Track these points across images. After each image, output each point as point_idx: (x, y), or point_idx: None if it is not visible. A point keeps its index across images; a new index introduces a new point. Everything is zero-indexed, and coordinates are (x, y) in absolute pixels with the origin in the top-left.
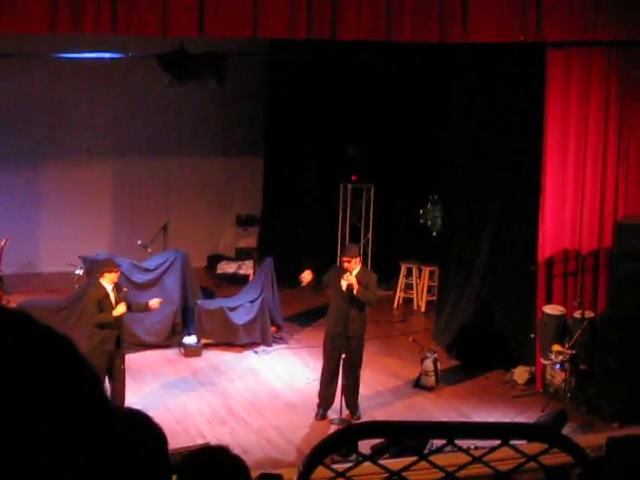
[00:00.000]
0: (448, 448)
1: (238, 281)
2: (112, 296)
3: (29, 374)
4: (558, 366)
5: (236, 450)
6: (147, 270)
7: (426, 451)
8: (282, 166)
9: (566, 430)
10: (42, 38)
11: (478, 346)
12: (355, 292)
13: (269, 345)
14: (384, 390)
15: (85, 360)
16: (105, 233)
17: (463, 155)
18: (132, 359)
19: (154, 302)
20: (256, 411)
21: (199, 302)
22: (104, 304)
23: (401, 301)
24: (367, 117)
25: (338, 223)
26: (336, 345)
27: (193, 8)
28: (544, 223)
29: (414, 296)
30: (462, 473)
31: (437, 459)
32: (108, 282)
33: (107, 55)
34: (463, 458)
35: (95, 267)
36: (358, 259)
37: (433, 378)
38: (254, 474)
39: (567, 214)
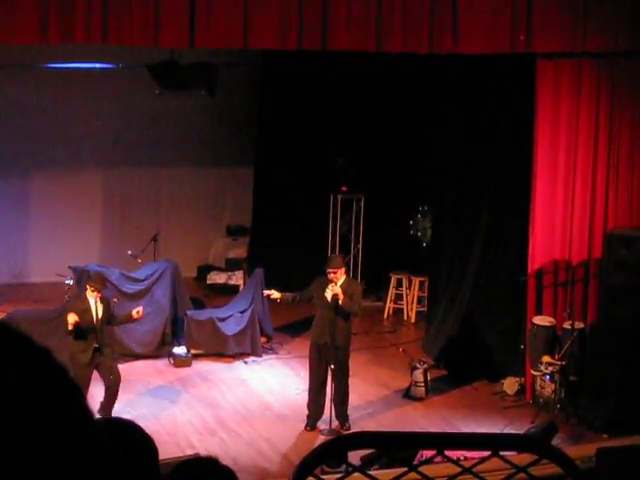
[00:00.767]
0: (438, 459)
1: (228, 291)
2: (94, 309)
3: (4, 383)
4: (548, 377)
5: (226, 461)
6: (137, 280)
7: (416, 462)
8: (272, 176)
9: (556, 441)
10: (32, 48)
11: (468, 357)
12: (340, 302)
13: (259, 355)
14: (374, 400)
15: (64, 370)
16: (95, 243)
17: (453, 166)
18: (122, 369)
19: (137, 312)
20: (246, 422)
21: (189, 312)
22: (83, 317)
23: (391, 312)
24: (357, 128)
25: (328, 234)
26: (322, 356)
27: (184, 19)
28: (534, 234)
29: (404, 307)
30: None
31: (427, 470)
32: (91, 295)
33: (97, 65)
34: (453, 469)
35: (85, 278)
36: (343, 269)
37: (423, 389)
38: None
39: (557, 225)
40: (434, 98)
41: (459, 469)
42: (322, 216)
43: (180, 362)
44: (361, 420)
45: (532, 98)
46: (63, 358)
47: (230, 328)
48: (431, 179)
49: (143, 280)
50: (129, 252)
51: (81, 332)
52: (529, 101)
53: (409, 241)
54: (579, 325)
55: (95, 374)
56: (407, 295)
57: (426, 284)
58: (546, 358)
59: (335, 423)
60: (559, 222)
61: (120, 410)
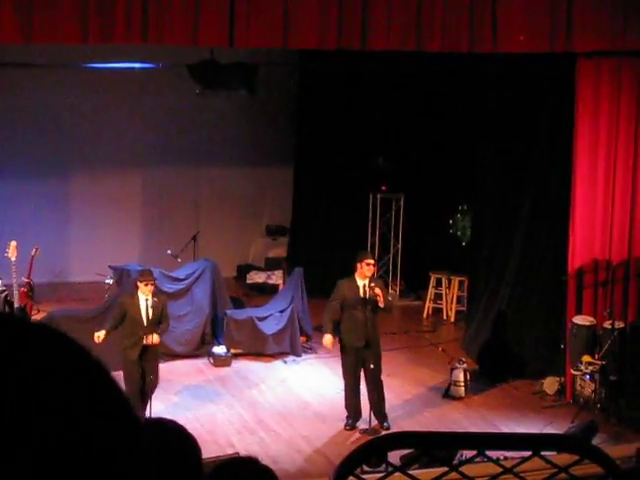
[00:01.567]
0: (478, 459)
1: (268, 291)
2: (143, 307)
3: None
4: (588, 377)
5: (265, 460)
6: (177, 280)
7: (456, 462)
8: (312, 176)
9: (596, 441)
10: (72, 47)
11: (507, 356)
12: (382, 305)
13: (298, 355)
14: (413, 400)
15: (104, 370)
16: (135, 243)
17: (493, 165)
18: (162, 368)
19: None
20: (285, 421)
21: (228, 312)
22: (129, 313)
23: (430, 311)
24: (397, 127)
25: (367, 233)
26: (358, 356)
27: (224, 18)
28: (574, 233)
29: (443, 306)
30: None
31: (467, 470)
32: (142, 292)
33: (137, 65)
34: (493, 469)
35: (125, 277)
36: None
37: (462, 388)
38: None
39: (597, 224)
40: (473, 98)
41: (500, 469)
42: (361, 216)
43: (220, 361)
44: (400, 420)
45: (572, 98)
46: (102, 355)
47: (269, 327)
48: (471, 178)
49: (183, 279)
50: (169, 251)
51: (131, 329)
52: (569, 101)
53: (449, 240)
54: (619, 324)
55: None
56: (446, 294)
57: (465, 284)
58: (586, 358)
59: (374, 422)
60: (599, 221)
61: (161, 410)
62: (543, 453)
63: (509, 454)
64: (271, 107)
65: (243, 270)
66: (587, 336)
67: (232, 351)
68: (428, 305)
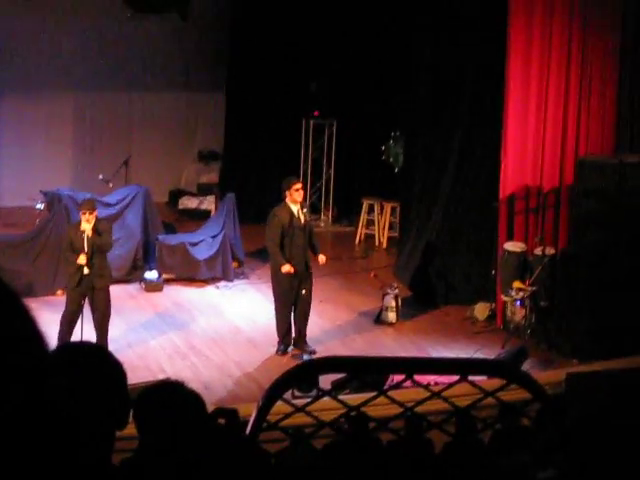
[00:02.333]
0: (407, 383)
1: (200, 216)
2: (85, 238)
3: None
4: (518, 303)
5: (197, 385)
6: (108, 205)
7: (386, 387)
8: (245, 101)
9: (526, 366)
10: None
11: (439, 282)
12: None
13: (230, 280)
14: (345, 325)
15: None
16: (66, 167)
17: (425, 92)
18: None
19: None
20: (217, 346)
21: (160, 237)
22: (75, 243)
23: (363, 237)
24: (331, 53)
25: (300, 159)
26: (294, 282)
27: None
28: (506, 160)
29: (376, 232)
30: (421, 408)
31: (396, 394)
32: (85, 223)
33: None
34: (422, 394)
35: (64, 206)
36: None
37: (394, 314)
38: (214, 409)
39: (529, 151)
40: (407, 23)
41: (428, 393)
42: (294, 141)
43: (151, 287)
44: (332, 345)
45: (505, 27)
46: (33, 281)
47: (201, 253)
48: (403, 105)
49: (114, 204)
50: (100, 176)
51: (74, 257)
52: (502, 29)
53: (381, 167)
54: (550, 251)
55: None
56: (379, 221)
57: (398, 210)
58: (517, 284)
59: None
60: (531, 148)
61: (91, 334)
62: (472, 378)
63: (439, 379)
64: (204, 32)
65: (175, 195)
66: (518, 262)
67: (164, 276)
68: (360, 231)
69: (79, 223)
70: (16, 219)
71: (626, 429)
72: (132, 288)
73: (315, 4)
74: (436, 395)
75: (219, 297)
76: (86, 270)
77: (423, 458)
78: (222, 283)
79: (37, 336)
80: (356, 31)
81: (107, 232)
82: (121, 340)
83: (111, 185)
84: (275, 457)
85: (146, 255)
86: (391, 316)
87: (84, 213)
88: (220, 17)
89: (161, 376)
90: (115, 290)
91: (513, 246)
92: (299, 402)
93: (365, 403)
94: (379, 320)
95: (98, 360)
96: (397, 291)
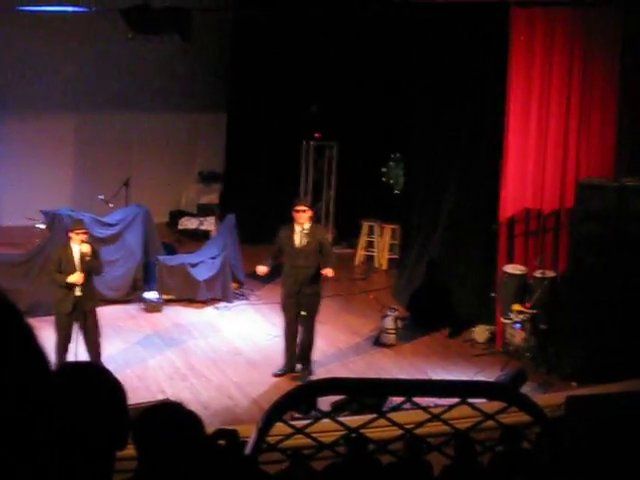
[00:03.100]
0: (407, 406)
1: (200, 237)
2: (76, 258)
3: None
4: (518, 325)
5: (196, 406)
6: (108, 225)
7: (385, 409)
8: (245, 123)
9: (525, 389)
10: None
11: (438, 304)
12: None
13: (230, 301)
14: (344, 347)
15: (16, 314)
16: (67, 187)
17: (426, 114)
18: None
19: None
20: (216, 367)
21: (160, 258)
22: (65, 265)
23: (362, 259)
24: (330, 75)
25: (300, 180)
26: (295, 302)
27: None
28: (506, 182)
29: (375, 254)
30: (420, 431)
31: (396, 417)
32: (76, 242)
33: (70, 9)
34: (422, 416)
35: (64, 226)
36: (310, 213)
37: (393, 336)
38: (214, 430)
39: (529, 173)
40: (407, 46)
41: (428, 416)
42: (295, 163)
43: (151, 307)
44: (331, 366)
45: (506, 48)
46: (34, 301)
47: (201, 274)
48: (404, 127)
49: (114, 225)
50: (100, 196)
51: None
52: (503, 50)
53: (381, 188)
54: (550, 274)
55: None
56: (379, 242)
57: (398, 232)
58: (517, 306)
59: (299, 367)
60: (531, 171)
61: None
62: (471, 400)
63: (439, 402)
64: (204, 53)
65: (175, 216)
66: (518, 285)
67: (164, 297)
68: (360, 253)
69: (67, 244)
70: (16, 239)
71: (624, 451)
72: (132, 308)
73: (316, 27)
74: (435, 417)
75: (219, 318)
76: (78, 292)
77: None
78: (222, 304)
79: (41, 356)
80: (356, 53)
81: (99, 254)
82: (120, 360)
83: (111, 205)
84: (275, 479)
85: (146, 275)
86: (390, 338)
87: (78, 233)
88: (221, 38)
89: (160, 397)
90: (115, 310)
91: (513, 268)
92: (298, 423)
93: (365, 425)
94: (378, 342)
95: (99, 380)
96: (397, 313)
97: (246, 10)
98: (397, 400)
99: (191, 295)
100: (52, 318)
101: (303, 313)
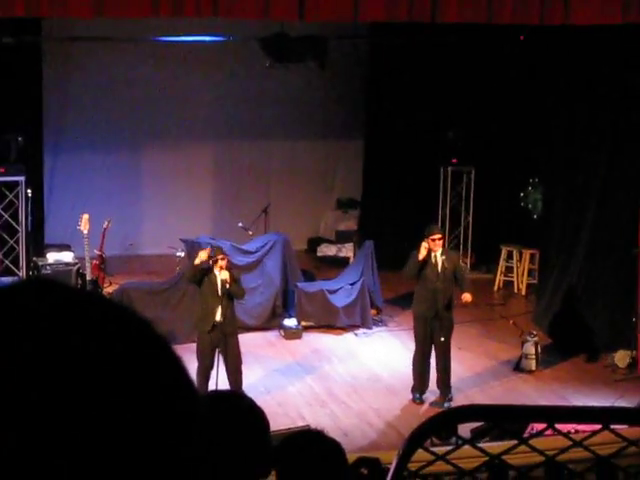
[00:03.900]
0: (548, 432)
1: (338, 264)
2: (219, 284)
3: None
4: None
5: (336, 432)
6: (248, 252)
7: (526, 435)
8: (383, 149)
9: None
10: (144, 21)
11: (579, 329)
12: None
13: (369, 327)
14: (484, 373)
15: (164, 342)
16: (206, 216)
17: (564, 138)
18: None
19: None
20: (356, 394)
21: (299, 285)
22: (206, 286)
23: (501, 284)
24: (468, 100)
25: (438, 206)
26: (429, 327)
27: None
28: None
29: (514, 279)
30: (562, 457)
31: (537, 443)
32: (217, 269)
33: (207, 38)
34: (563, 442)
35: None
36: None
37: (533, 361)
38: (354, 457)
39: None
40: (545, 69)
41: (570, 442)
42: (432, 189)
43: (290, 334)
44: (471, 393)
45: None
46: (174, 328)
47: (340, 300)
48: (542, 151)
49: (254, 252)
50: (240, 224)
51: (206, 304)
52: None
53: (520, 213)
54: None
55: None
56: (517, 267)
57: (537, 257)
58: None
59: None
60: None
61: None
62: (613, 426)
63: (580, 427)
64: (342, 80)
65: (314, 243)
66: None
67: (303, 324)
68: (499, 278)
69: (211, 269)
70: (157, 267)
71: None
72: (271, 335)
73: (452, 52)
74: (578, 444)
75: (358, 344)
76: (219, 317)
77: None
78: (361, 330)
79: (189, 384)
80: (494, 78)
81: (239, 280)
82: (260, 387)
83: (251, 233)
84: None
85: (285, 302)
86: (531, 364)
87: (221, 259)
88: (358, 65)
89: (300, 423)
90: (254, 337)
91: None
92: (439, 450)
93: (506, 452)
94: (518, 368)
95: (243, 409)
96: (537, 338)
97: (382, 37)
98: (538, 427)
99: (330, 322)
100: (190, 345)
101: (442, 339)
